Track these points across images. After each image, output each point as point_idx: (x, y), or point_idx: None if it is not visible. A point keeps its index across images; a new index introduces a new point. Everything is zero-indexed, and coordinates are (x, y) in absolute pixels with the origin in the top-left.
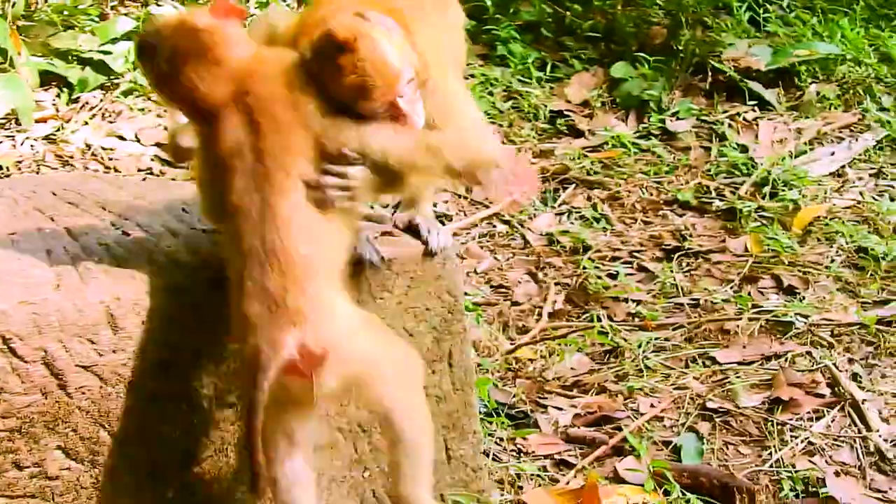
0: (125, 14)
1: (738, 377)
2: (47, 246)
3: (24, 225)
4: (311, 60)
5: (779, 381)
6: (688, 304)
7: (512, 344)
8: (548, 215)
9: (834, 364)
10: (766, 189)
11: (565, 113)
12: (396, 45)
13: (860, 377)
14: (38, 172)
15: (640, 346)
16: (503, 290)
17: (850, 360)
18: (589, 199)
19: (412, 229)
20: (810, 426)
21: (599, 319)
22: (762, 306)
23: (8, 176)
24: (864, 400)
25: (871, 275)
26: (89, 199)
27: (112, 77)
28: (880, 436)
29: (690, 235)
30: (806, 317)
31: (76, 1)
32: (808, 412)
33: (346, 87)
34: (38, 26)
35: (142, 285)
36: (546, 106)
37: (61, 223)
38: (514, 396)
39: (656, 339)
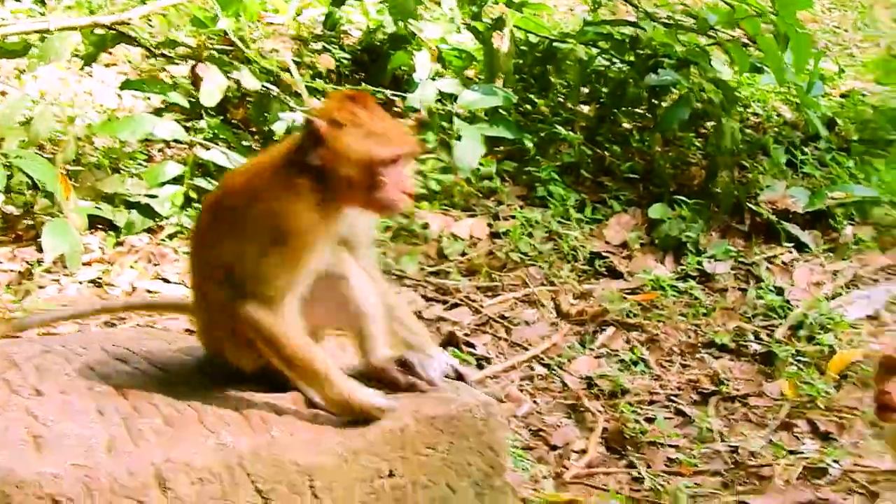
0: (171, 157)
1: None
2: (98, 406)
3: (75, 383)
4: None
5: None
6: (725, 450)
7: (552, 488)
8: (586, 358)
9: None
10: (803, 332)
11: (604, 254)
12: None
13: None
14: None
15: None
16: (542, 433)
17: None
18: (627, 341)
19: (404, 365)
20: None
21: (635, 466)
22: (799, 452)
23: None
24: None
25: None
26: (139, 355)
27: (158, 220)
28: None
29: (727, 379)
30: (839, 462)
31: (123, 144)
32: None
33: None
34: (86, 170)
35: (191, 446)
36: (585, 247)
37: (111, 381)
38: None
39: (694, 485)
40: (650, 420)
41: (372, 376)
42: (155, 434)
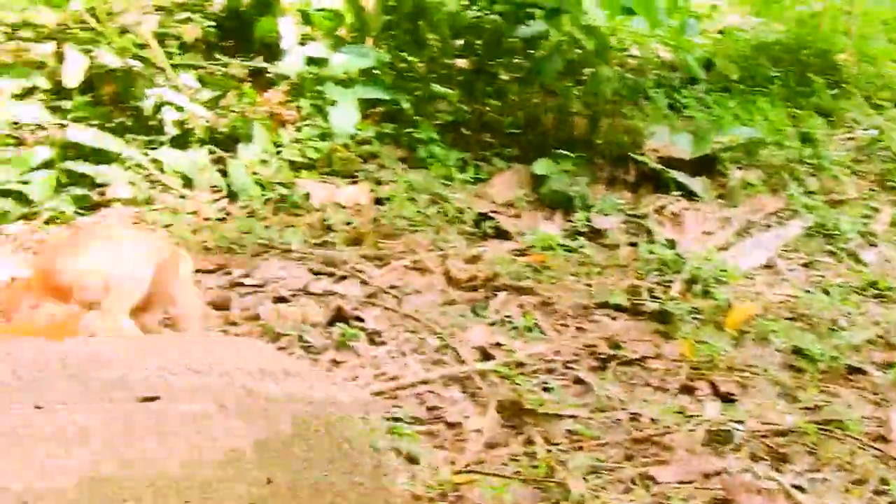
0: (41, 141)
1: (680, 498)
2: None
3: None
4: None
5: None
6: (625, 418)
7: (449, 471)
8: (480, 327)
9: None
10: (697, 287)
11: (490, 215)
12: None
13: (805, 489)
14: None
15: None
16: (438, 410)
17: (793, 472)
18: (521, 306)
19: None
20: None
21: (533, 442)
22: (701, 416)
23: None
24: None
25: (809, 377)
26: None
27: (33, 207)
28: None
29: (625, 342)
30: (743, 423)
31: None
32: None
33: None
34: None
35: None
36: (471, 208)
37: None
38: None
39: (596, 459)
40: (548, 390)
41: None
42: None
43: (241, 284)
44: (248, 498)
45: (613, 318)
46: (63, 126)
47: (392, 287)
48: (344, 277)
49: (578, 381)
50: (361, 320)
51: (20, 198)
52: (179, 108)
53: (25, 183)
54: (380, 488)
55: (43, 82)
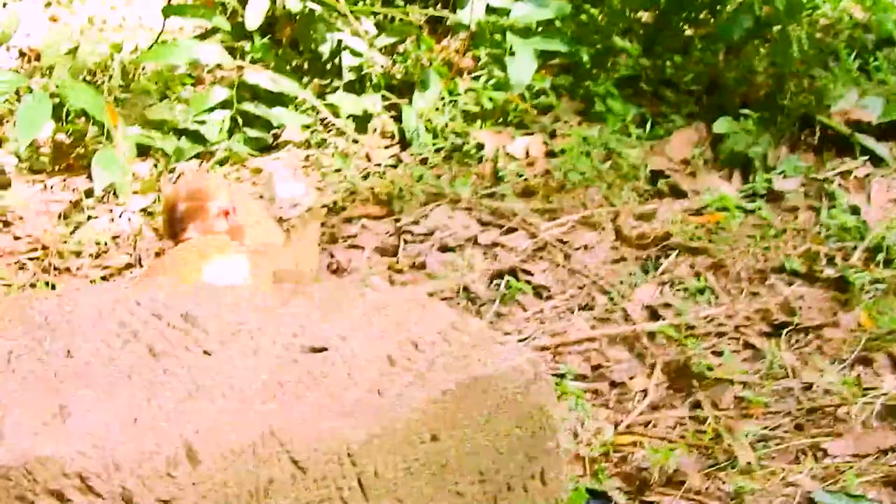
0: (218, 81)
1: (853, 473)
2: (127, 369)
3: (105, 343)
4: None
5: None
6: (797, 387)
7: (611, 431)
8: (650, 286)
9: None
10: (881, 256)
11: (666, 172)
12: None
13: None
14: (134, 248)
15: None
16: (602, 368)
17: None
18: (692, 266)
19: None
20: None
21: (701, 406)
22: (877, 389)
23: (105, 252)
24: None
25: None
26: (175, 310)
27: (207, 146)
28: None
29: (800, 308)
30: None
31: (170, 69)
32: None
33: None
34: (134, 97)
35: (222, 416)
36: (647, 165)
37: (142, 338)
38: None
39: (764, 428)
40: (717, 354)
41: None
42: (183, 402)
43: (409, 232)
44: (412, 454)
45: (789, 284)
46: (241, 68)
47: (561, 241)
48: (512, 230)
49: (749, 346)
50: (529, 274)
51: (196, 137)
52: (357, 54)
53: (201, 123)
54: (545, 449)
55: (224, 23)
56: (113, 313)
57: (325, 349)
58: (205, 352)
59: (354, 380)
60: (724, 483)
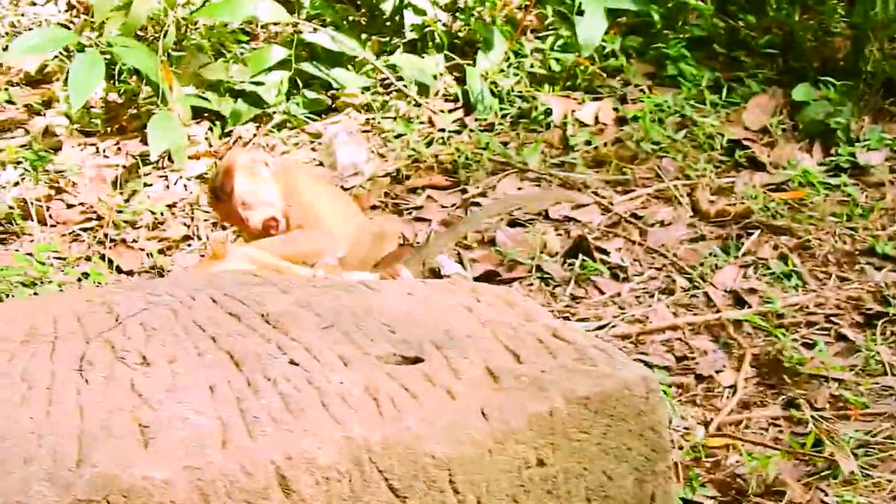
0: (275, 37)
1: None
2: (209, 380)
3: (183, 347)
4: None
5: None
6: None
7: (702, 432)
8: (732, 268)
9: None
10: None
11: (743, 142)
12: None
13: None
14: (192, 218)
15: (846, 442)
16: (687, 361)
17: None
18: (776, 247)
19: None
20: None
21: (795, 405)
22: None
23: (162, 222)
24: None
25: None
26: (252, 308)
27: (265, 108)
28: None
29: (894, 297)
30: None
31: (224, 26)
32: None
33: None
34: (188, 56)
35: (315, 439)
36: (723, 134)
37: (223, 344)
38: None
39: (865, 433)
40: (809, 346)
41: None
42: (273, 422)
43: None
44: (517, 481)
45: (878, 269)
46: (296, 24)
47: (635, 217)
48: (584, 203)
49: (842, 338)
50: (604, 252)
51: (253, 99)
52: (420, 11)
53: (259, 84)
54: (655, 472)
55: None
56: (188, 313)
57: (421, 360)
58: (291, 361)
59: (454, 397)
60: (826, 494)
